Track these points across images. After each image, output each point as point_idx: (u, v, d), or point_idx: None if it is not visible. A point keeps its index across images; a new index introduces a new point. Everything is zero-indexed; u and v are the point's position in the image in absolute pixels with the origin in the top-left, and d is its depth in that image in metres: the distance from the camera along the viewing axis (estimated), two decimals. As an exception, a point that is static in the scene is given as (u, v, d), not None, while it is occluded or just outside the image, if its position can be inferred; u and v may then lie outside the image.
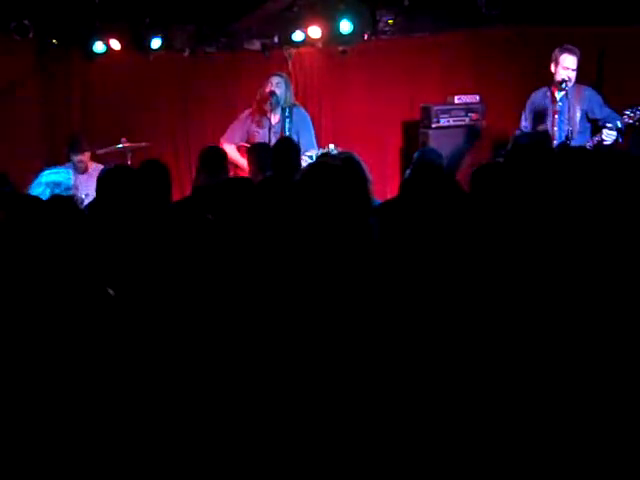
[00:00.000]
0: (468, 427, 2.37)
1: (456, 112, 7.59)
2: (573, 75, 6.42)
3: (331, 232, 2.83)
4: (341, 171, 2.99)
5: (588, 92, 6.51)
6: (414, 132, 7.92)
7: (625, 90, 7.00)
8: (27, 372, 2.36)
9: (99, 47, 7.55)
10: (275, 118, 6.74)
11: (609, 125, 6.17)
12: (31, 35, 7.21)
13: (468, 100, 7.68)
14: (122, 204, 3.51)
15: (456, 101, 7.65)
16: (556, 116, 6.49)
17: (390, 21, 7.81)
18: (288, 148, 5.52)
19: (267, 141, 6.50)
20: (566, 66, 6.41)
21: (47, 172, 5.81)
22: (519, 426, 2.38)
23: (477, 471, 2.34)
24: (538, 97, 6.65)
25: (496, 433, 2.37)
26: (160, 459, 2.36)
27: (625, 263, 2.87)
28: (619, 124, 6.14)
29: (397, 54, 8.06)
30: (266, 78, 6.90)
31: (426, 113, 7.63)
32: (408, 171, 5.04)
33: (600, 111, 6.42)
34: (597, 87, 6.96)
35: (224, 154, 5.52)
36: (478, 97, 7.68)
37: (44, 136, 7.83)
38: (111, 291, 2.59)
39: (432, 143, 7.23)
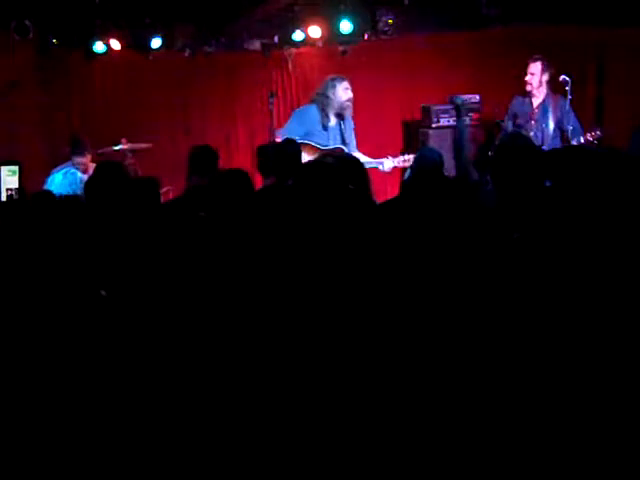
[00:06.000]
0: (468, 427, 2.37)
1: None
2: (530, 79, 6.84)
3: (326, 232, 2.82)
4: (336, 170, 2.98)
5: (562, 102, 6.79)
6: (414, 132, 7.93)
7: (625, 90, 7.01)
8: (16, 372, 2.35)
9: (99, 47, 7.55)
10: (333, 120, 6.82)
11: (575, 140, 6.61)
12: (31, 35, 7.22)
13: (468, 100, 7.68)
14: (113, 202, 3.46)
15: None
16: (532, 122, 6.83)
17: (390, 21, 7.80)
18: (289, 152, 5.46)
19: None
20: (526, 72, 6.85)
21: (57, 174, 5.77)
22: (519, 426, 2.38)
23: (477, 471, 2.34)
24: (517, 102, 7.00)
25: (496, 433, 2.37)
26: (157, 460, 2.35)
27: (627, 265, 2.86)
28: (582, 140, 6.54)
29: (397, 54, 8.06)
30: (348, 81, 6.88)
31: (426, 113, 7.65)
32: (408, 171, 5.05)
33: (568, 121, 6.72)
34: (597, 86, 7.03)
35: (215, 154, 5.43)
36: (478, 97, 7.69)
37: (44, 136, 7.82)
38: (103, 292, 2.58)
39: (432, 143, 7.25)
